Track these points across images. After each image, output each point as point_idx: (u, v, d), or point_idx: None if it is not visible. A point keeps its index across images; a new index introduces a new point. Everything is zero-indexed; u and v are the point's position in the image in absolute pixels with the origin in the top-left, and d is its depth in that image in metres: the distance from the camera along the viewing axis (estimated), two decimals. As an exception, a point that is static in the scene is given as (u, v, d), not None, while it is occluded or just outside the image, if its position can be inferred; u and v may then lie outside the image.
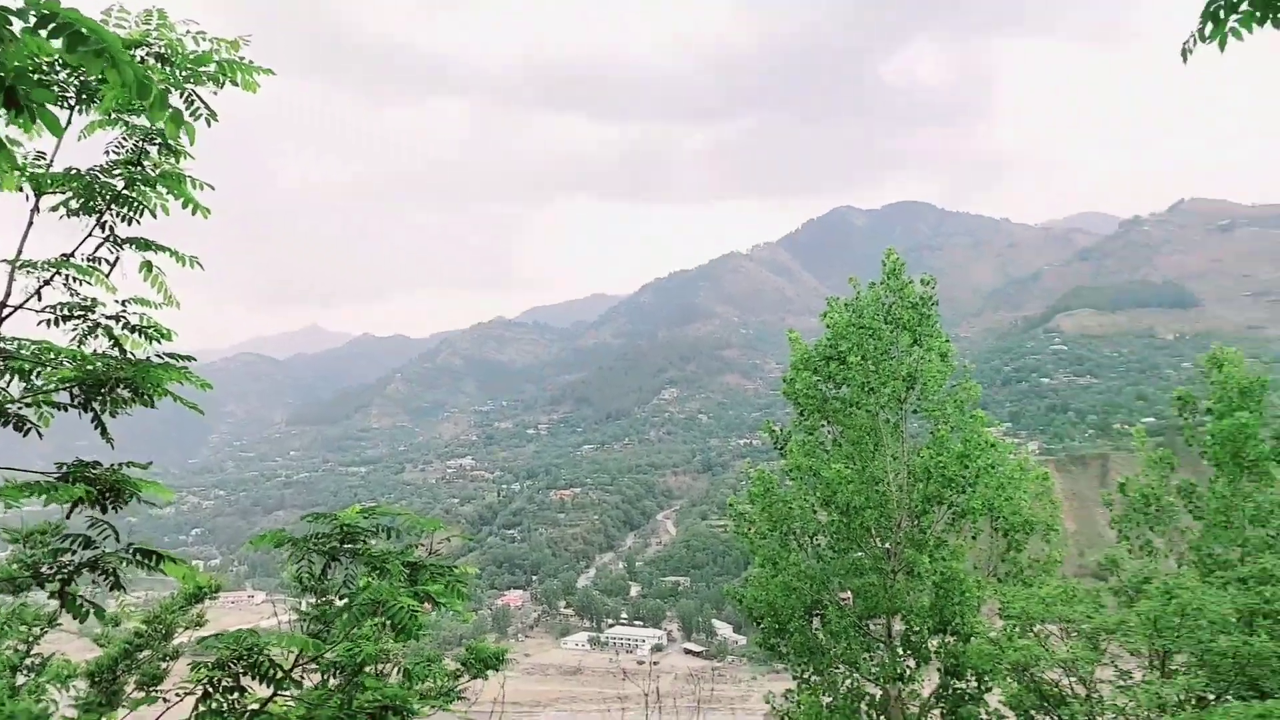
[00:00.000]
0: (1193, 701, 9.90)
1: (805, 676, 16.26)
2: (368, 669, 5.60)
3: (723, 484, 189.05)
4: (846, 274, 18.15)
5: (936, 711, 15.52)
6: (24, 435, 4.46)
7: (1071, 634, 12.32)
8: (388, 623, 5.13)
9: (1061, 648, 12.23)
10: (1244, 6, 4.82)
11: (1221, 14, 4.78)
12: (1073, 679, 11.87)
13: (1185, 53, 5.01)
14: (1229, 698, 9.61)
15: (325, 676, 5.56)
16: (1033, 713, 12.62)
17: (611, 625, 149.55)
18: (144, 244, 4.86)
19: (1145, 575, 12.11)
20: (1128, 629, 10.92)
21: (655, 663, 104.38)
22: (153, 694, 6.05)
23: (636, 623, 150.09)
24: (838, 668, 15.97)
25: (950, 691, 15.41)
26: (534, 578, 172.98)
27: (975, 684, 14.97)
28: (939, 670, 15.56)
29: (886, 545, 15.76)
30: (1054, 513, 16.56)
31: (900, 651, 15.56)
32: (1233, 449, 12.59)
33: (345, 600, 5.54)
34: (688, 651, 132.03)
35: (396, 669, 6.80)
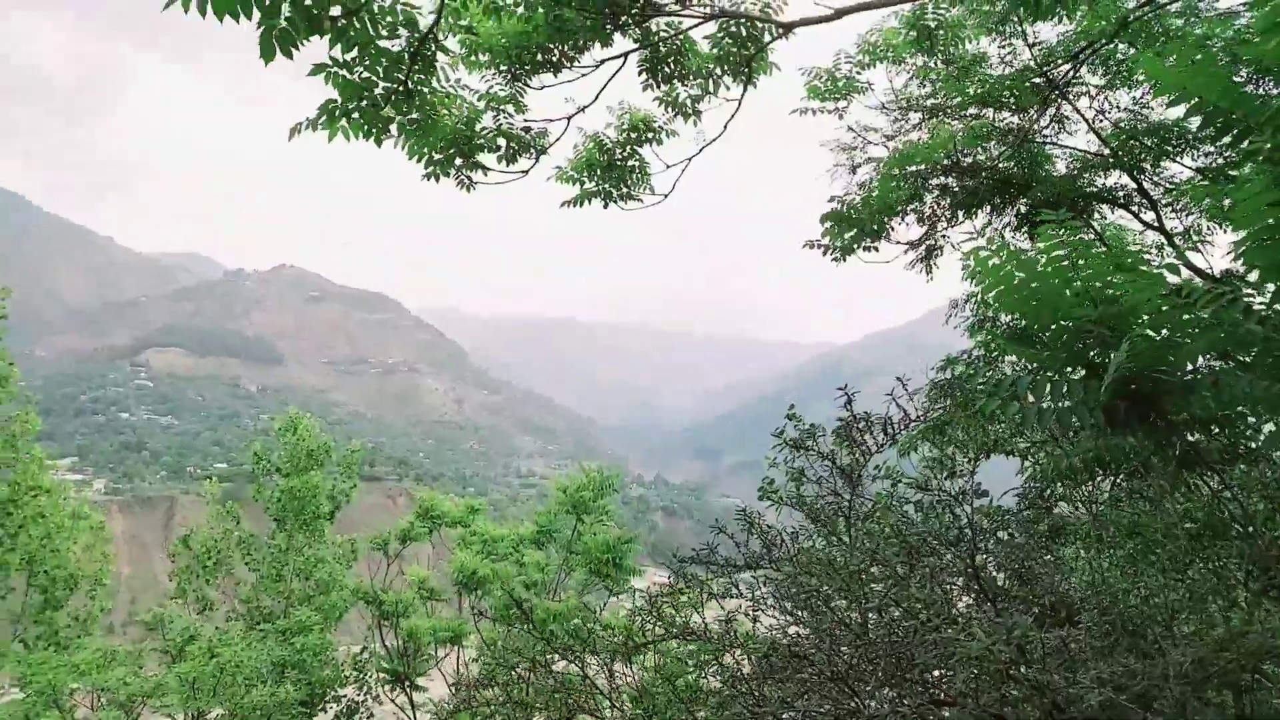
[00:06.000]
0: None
1: None
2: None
3: None
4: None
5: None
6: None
7: (105, 701, 11.40)
8: None
9: (92, 717, 11.27)
10: (354, 116, 5.44)
11: (336, 113, 5.32)
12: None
13: (294, 132, 5.42)
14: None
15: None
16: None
17: None
18: None
19: (191, 634, 11.97)
20: (166, 690, 10.58)
21: None
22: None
23: None
24: None
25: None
26: None
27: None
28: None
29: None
30: (104, 565, 15.41)
31: None
32: (296, 506, 13.67)
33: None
34: None
35: None
